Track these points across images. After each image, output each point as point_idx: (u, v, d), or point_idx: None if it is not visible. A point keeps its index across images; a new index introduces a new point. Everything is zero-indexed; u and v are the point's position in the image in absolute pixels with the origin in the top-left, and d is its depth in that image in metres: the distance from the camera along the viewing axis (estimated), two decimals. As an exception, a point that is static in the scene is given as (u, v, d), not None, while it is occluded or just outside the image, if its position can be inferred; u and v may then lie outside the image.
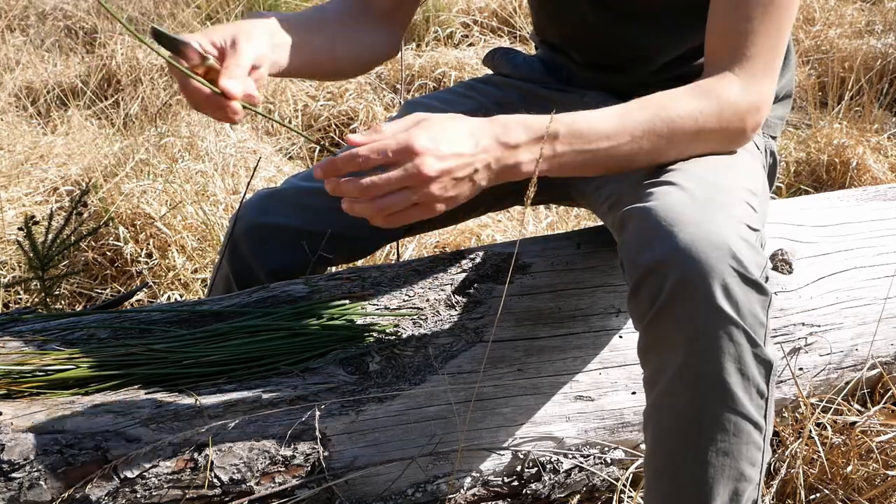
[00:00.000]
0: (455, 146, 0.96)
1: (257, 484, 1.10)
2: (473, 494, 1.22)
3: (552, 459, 1.25)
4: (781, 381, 1.40)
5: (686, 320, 0.94)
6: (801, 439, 1.37)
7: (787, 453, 1.38)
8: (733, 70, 1.09)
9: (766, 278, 0.97)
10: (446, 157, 0.95)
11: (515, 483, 1.25)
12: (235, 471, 1.09)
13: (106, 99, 3.11)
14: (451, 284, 1.31)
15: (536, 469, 1.25)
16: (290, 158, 2.83)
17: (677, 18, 1.26)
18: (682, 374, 0.96)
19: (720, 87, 1.08)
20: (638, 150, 1.05)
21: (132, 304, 1.96)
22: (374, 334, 1.23)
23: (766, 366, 0.96)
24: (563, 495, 1.29)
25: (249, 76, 1.03)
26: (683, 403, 0.97)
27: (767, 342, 0.96)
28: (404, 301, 1.28)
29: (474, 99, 1.43)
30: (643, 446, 1.31)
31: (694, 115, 1.07)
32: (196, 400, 1.11)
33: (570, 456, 1.26)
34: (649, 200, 1.01)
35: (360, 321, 1.24)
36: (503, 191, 1.43)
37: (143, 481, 1.05)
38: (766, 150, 1.31)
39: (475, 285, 1.31)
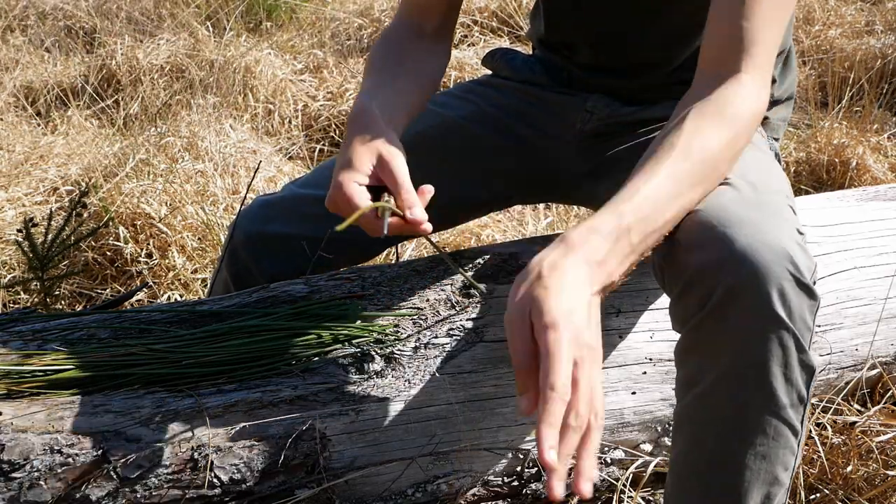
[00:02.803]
0: (580, 317, 0.85)
1: (257, 484, 1.10)
2: (473, 494, 1.22)
3: (552, 459, 1.25)
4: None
5: (737, 323, 0.93)
6: (801, 439, 1.37)
7: (787, 453, 1.38)
8: (745, 70, 1.03)
9: (815, 282, 0.95)
10: (583, 333, 0.84)
11: (515, 483, 1.24)
12: (235, 471, 1.09)
13: (106, 99, 3.11)
14: (451, 284, 1.30)
15: (536, 469, 1.25)
16: (290, 158, 2.83)
17: (698, 24, 1.25)
18: (726, 377, 0.95)
19: (740, 100, 1.02)
20: (691, 200, 0.98)
21: (132, 304, 1.96)
22: (374, 334, 1.23)
23: (809, 371, 0.96)
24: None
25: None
26: (725, 405, 0.97)
27: (811, 347, 0.96)
28: (404, 301, 1.28)
29: (473, 102, 1.42)
30: (644, 446, 1.31)
31: (730, 142, 1.01)
32: (196, 400, 1.11)
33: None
34: None
35: (360, 321, 1.24)
36: (508, 192, 1.44)
37: (143, 481, 1.05)
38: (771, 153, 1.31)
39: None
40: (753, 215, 0.96)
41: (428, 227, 1.03)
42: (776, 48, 1.07)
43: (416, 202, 1.03)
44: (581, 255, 0.87)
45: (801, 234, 1.01)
